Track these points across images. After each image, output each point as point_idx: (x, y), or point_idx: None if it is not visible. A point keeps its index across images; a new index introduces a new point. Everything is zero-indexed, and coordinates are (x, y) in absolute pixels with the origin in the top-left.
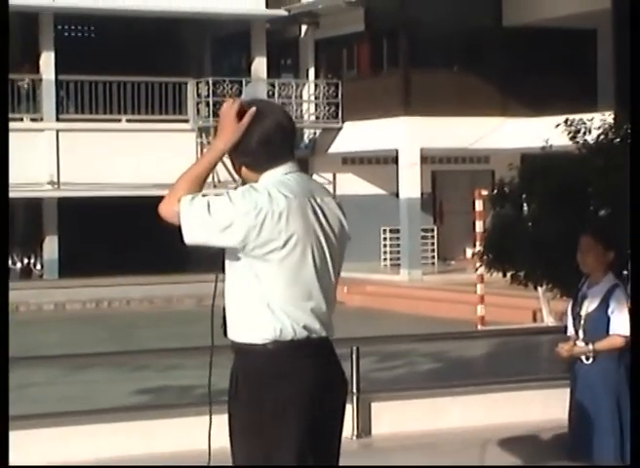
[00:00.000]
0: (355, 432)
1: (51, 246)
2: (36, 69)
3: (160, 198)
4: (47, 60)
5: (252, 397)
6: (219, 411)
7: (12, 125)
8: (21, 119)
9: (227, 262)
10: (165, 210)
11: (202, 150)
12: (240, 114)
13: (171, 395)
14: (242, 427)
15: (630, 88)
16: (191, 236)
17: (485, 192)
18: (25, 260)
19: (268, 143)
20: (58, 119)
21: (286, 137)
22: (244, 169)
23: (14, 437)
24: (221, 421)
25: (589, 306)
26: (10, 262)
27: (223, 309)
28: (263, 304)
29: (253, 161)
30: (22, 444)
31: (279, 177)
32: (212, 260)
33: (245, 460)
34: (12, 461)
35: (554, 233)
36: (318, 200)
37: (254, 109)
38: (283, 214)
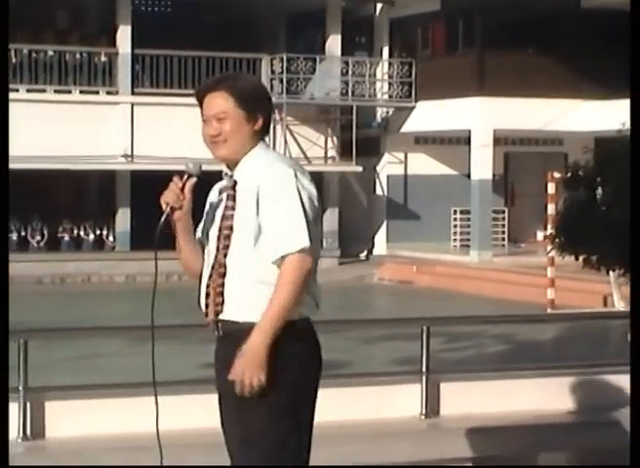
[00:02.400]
0: (424, 411)
1: (123, 218)
2: (113, 43)
3: None
4: (124, 34)
5: (287, 377)
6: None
7: (87, 97)
8: (97, 92)
9: (242, 241)
10: (296, 269)
11: (275, 126)
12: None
13: None
14: (272, 411)
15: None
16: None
17: (557, 175)
18: (98, 232)
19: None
20: (133, 93)
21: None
22: None
23: (78, 405)
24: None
25: None
26: (83, 233)
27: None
28: None
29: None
30: (83, 413)
31: (269, 153)
32: None
33: (277, 446)
34: (77, 430)
35: (629, 218)
36: None
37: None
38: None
